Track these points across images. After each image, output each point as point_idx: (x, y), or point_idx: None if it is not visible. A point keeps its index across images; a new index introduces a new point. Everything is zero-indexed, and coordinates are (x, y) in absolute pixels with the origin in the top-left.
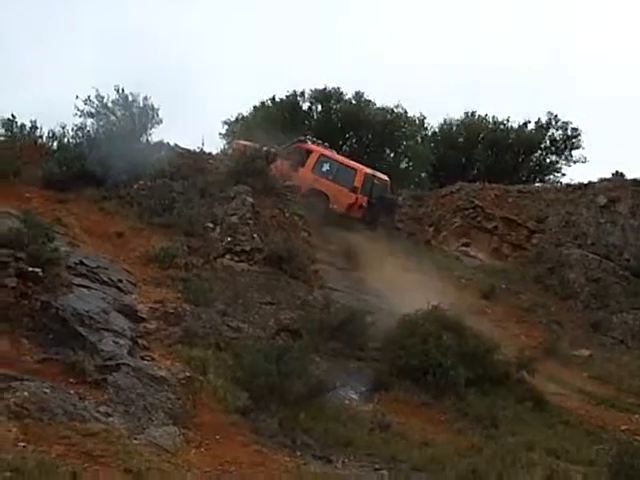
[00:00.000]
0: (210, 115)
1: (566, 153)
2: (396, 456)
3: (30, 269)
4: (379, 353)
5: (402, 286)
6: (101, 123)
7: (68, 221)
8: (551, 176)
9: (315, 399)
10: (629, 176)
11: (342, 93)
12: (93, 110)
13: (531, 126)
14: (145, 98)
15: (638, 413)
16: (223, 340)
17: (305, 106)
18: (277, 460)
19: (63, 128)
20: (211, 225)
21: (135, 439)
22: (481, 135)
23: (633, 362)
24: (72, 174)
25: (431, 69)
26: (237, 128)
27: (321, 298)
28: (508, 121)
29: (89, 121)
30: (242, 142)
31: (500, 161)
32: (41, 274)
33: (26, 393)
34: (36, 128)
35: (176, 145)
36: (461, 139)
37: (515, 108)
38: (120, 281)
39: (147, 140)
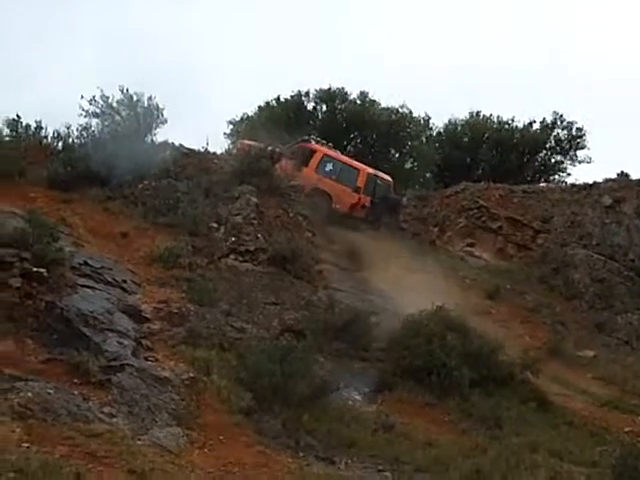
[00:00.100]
0: (215, 115)
1: (571, 153)
2: (400, 457)
3: (35, 269)
4: (383, 353)
5: (406, 286)
6: (106, 123)
7: (73, 221)
8: (556, 176)
9: (319, 400)
10: (634, 176)
11: (347, 93)
12: (98, 110)
13: (536, 126)
14: (150, 98)
15: None
16: (227, 340)
17: (310, 106)
18: (280, 461)
19: (68, 128)
20: (215, 225)
21: (139, 440)
22: (486, 135)
23: (638, 363)
24: (77, 174)
25: (435, 69)
26: (242, 128)
27: (325, 298)
28: (513, 121)
29: (94, 121)
30: (247, 142)
31: (505, 161)
32: (46, 274)
33: (30, 393)
34: (41, 128)
35: (181, 145)
36: (466, 139)
37: (520, 108)
38: (124, 281)
39: (152, 140)
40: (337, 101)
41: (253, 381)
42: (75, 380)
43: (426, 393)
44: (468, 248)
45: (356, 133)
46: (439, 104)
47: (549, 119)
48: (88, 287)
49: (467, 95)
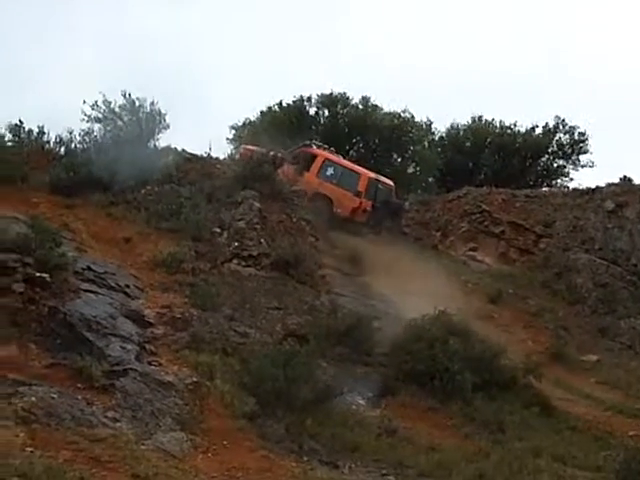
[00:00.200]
0: (217, 120)
1: (573, 158)
2: (403, 461)
3: (38, 274)
4: (386, 358)
5: (409, 291)
6: (108, 128)
7: (75, 226)
8: (558, 181)
9: (322, 404)
10: (637, 181)
11: (349, 98)
12: (100, 115)
13: (538, 130)
14: (152, 103)
15: None
16: (230, 345)
17: (312, 111)
18: (284, 466)
19: (70, 133)
20: (218, 230)
21: (142, 444)
22: (488, 140)
23: None
24: (79, 179)
25: (437, 74)
26: (244, 133)
27: (328, 303)
28: (515, 125)
29: (96, 126)
30: (249, 147)
31: (507, 166)
32: (49, 279)
33: (34, 398)
34: (43, 133)
35: (183, 150)
36: (468, 144)
37: (522, 112)
38: (127, 286)
39: (154, 145)
40: (339, 106)
41: (256, 386)
42: (79, 385)
43: (429, 397)
44: (470, 252)
45: (358, 138)
46: (441, 109)
47: (551, 124)
48: (91, 292)
49: (469, 99)
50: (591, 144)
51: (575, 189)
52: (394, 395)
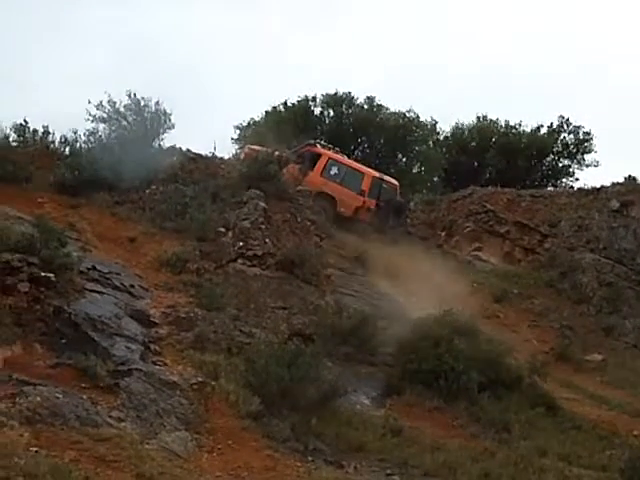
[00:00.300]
0: (222, 119)
1: (578, 157)
2: (408, 461)
3: (43, 274)
4: (391, 358)
5: (414, 290)
6: (113, 128)
7: (80, 226)
8: (563, 180)
9: (327, 404)
10: None
11: (353, 98)
12: (105, 115)
13: (543, 130)
14: (157, 103)
15: None
16: (235, 345)
17: (317, 111)
18: (289, 465)
19: (75, 133)
20: (223, 230)
21: (147, 444)
22: (493, 139)
23: None
24: (84, 179)
25: (442, 73)
26: (249, 133)
27: (333, 303)
28: (520, 125)
29: (101, 126)
30: (253, 147)
31: (512, 165)
32: (54, 279)
33: (38, 398)
34: (48, 133)
35: (188, 150)
36: (473, 143)
37: (527, 112)
38: (132, 286)
39: (159, 145)
40: (344, 106)
41: (261, 385)
42: (83, 384)
43: (434, 397)
44: (475, 252)
45: (363, 138)
46: (446, 108)
47: (556, 123)
48: (96, 292)
49: (474, 99)
50: (596, 143)
51: (580, 189)
52: (399, 395)
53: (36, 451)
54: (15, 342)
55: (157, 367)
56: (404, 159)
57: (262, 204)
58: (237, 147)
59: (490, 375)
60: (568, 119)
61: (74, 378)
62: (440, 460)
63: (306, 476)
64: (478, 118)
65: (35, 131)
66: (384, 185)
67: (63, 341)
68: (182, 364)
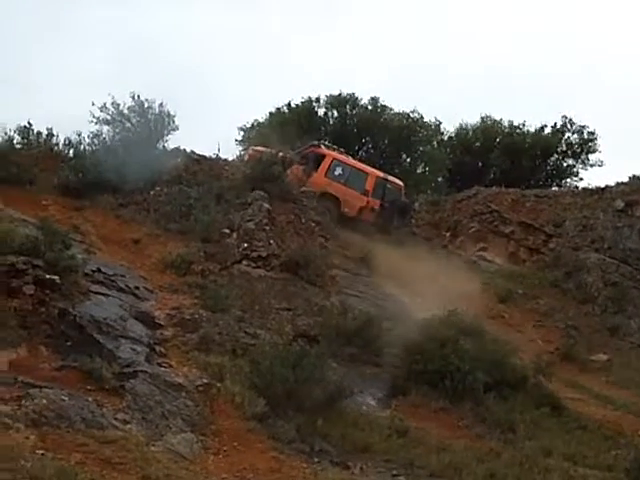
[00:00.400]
0: (226, 121)
1: (583, 157)
2: (414, 462)
3: (47, 276)
4: (396, 358)
5: (419, 291)
6: (117, 130)
7: (85, 228)
8: (568, 180)
9: (333, 405)
10: None
11: (357, 98)
12: (109, 117)
13: (547, 130)
14: (161, 105)
15: None
16: (240, 346)
17: (321, 112)
18: (295, 466)
19: (79, 135)
20: (227, 231)
21: (153, 446)
22: (497, 139)
23: None
24: (88, 181)
25: (446, 74)
26: (253, 134)
27: (338, 304)
28: (524, 125)
29: (105, 128)
30: (257, 149)
31: (516, 165)
32: (58, 281)
33: (44, 401)
34: (52, 135)
35: (192, 151)
36: (477, 144)
37: (531, 112)
38: (137, 288)
39: (163, 147)
40: (348, 107)
41: (267, 387)
42: (89, 387)
43: (440, 398)
44: (480, 252)
45: (367, 138)
46: (450, 109)
47: (559, 123)
48: (101, 294)
49: (478, 100)
50: (600, 143)
51: (584, 188)
52: (405, 395)
53: (42, 454)
54: (20, 345)
55: (162, 369)
56: (408, 159)
57: (266, 205)
58: (241, 148)
59: (495, 375)
60: (572, 119)
61: (79, 380)
62: (446, 461)
63: (312, 477)
64: (482, 118)
65: (39, 133)
66: (388, 185)
67: (68, 343)
68: (187, 366)
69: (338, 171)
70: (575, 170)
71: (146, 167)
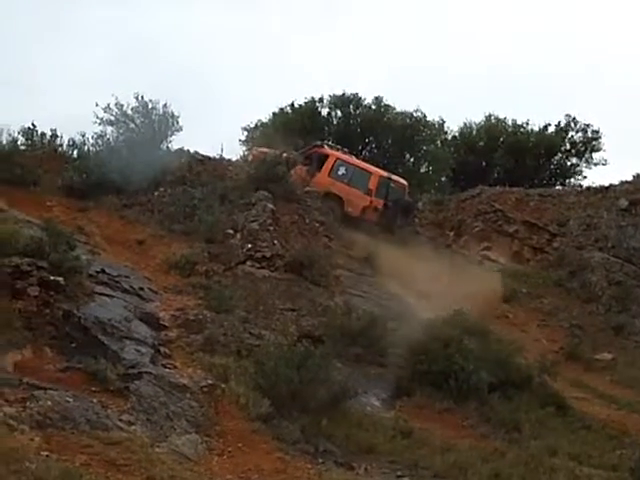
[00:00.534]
0: (229, 121)
1: (586, 156)
2: (419, 462)
3: (52, 278)
4: (401, 359)
5: (423, 291)
6: (121, 131)
7: (89, 229)
8: (572, 179)
9: (337, 406)
10: None
11: (361, 98)
12: (113, 118)
13: (551, 129)
14: (165, 105)
15: None
16: (244, 347)
17: (324, 112)
18: (299, 467)
19: (83, 136)
20: (231, 232)
21: (157, 447)
22: (501, 139)
23: None
24: (92, 182)
25: (449, 73)
26: (256, 134)
27: (342, 304)
28: (528, 124)
29: (109, 129)
30: (260, 149)
31: (520, 165)
32: (63, 283)
33: (49, 402)
34: (56, 137)
35: (196, 152)
36: (481, 143)
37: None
38: (141, 289)
39: (167, 147)
40: (352, 106)
41: (271, 387)
42: (93, 388)
43: (444, 398)
44: (484, 252)
45: (371, 138)
46: (454, 108)
47: (563, 122)
48: (105, 295)
49: (482, 98)
50: (604, 142)
51: (588, 187)
52: (409, 396)
53: (47, 455)
54: (25, 346)
55: (167, 370)
56: (412, 159)
57: (270, 206)
58: (245, 149)
59: (500, 375)
60: (575, 118)
61: (84, 382)
62: (450, 461)
63: (316, 478)
64: (486, 117)
65: (43, 134)
66: (392, 185)
67: (73, 345)
68: (192, 367)
69: (341, 171)
70: (579, 169)
71: (150, 168)
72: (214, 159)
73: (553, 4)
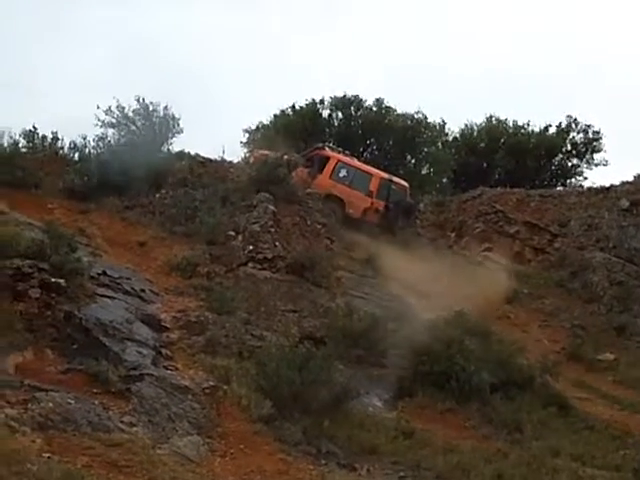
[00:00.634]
0: (231, 123)
1: (587, 156)
2: (421, 463)
3: (53, 280)
4: (402, 360)
5: (424, 292)
6: (122, 133)
7: (90, 231)
8: (573, 180)
9: (339, 407)
10: None
11: (362, 100)
12: (114, 120)
13: (552, 130)
14: (166, 107)
15: None
16: (246, 349)
17: (325, 114)
18: (302, 469)
19: (84, 139)
20: (233, 233)
21: (159, 449)
22: (502, 140)
23: None
24: (93, 184)
25: (450, 74)
26: (258, 136)
27: (344, 305)
28: (529, 125)
29: (110, 131)
30: (262, 152)
31: (521, 165)
32: (64, 284)
33: (50, 404)
34: (57, 139)
35: (197, 154)
36: (482, 144)
37: (528, 112)
38: (143, 291)
39: (168, 149)
40: (353, 108)
41: (273, 389)
42: (95, 390)
43: (446, 399)
44: (485, 253)
45: (372, 140)
46: (455, 109)
47: (564, 123)
48: (107, 297)
49: (483, 100)
50: (605, 142)
51: (589, 188)
52: (411, 397)
53: (48, 457)
54: (26, 348)
55: (168, 372)
56: (413, 160)
57: (272, 207)
58: (246, 151)
59: (502, 376)
60: (576, 118)
61: (85, 383)
62: (453, 462)
63: (319, 479)
64: (487, 119)
65: (44, 137)
66: (393, 186)
67: (74, 346)
68: (193, 368)
69: (343, 173)
70: (580, 170)
71: (151, 170)
72: (215, 161)
73: (553, 4)
